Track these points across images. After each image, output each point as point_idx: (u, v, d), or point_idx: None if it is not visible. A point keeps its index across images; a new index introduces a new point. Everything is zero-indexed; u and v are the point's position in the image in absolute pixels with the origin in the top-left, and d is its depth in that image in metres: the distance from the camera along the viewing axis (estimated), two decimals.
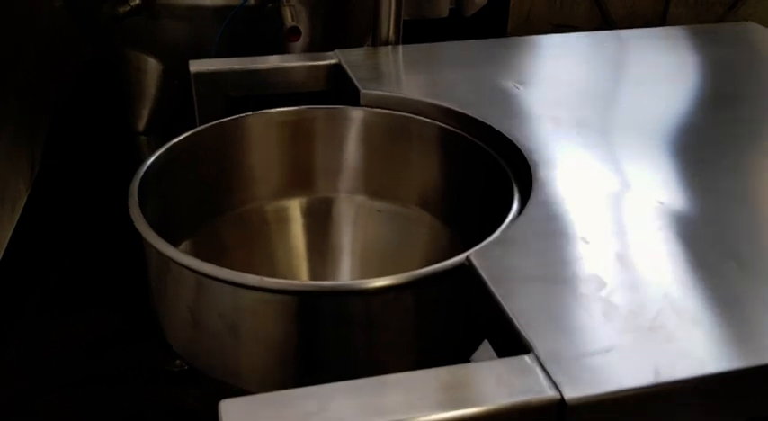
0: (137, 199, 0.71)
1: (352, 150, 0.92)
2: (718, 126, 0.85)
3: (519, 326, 0.54)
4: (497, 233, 0.65)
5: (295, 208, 0.93)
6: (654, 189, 0.72)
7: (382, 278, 0.61)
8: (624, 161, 0.78)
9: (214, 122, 0.87)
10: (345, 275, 0.92)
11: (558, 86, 0.94)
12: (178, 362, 1.30)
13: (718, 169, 0.76)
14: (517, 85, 0.92)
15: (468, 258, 0.62)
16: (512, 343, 0.55)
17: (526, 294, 0.57)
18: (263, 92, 0.96)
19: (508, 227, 0.67)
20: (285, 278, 0.83)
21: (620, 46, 1.09)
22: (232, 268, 0.67)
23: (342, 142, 0.92)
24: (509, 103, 0.88)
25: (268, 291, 0.62)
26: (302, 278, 0.92)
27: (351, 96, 0.92)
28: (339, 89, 0.97)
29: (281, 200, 0.93)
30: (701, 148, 0.80)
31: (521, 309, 0.56)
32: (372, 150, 0.91)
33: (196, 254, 0.76)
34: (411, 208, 0.90)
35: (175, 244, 0.73)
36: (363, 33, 1.37)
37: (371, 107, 0.89)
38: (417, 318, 0.64)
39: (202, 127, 0.86)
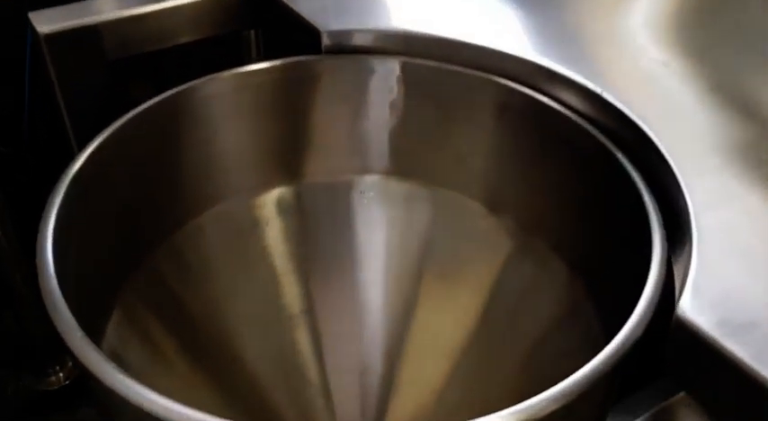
0: (51, 263, 0.40)
1: (378, 116, 0.58)
2: None
3: None
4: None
5: (287, 199, 0.62)
6: None
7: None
8: None
9: (156, 100, 0.52)
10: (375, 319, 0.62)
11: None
12: (53, 378, 0.97)
13: None
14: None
15: None
16: None
17: None
18: (161, 46, 0.61)
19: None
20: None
21: None
22: (199, 297, 0.52)
23: (360, 106, 0.58)
24: (650, 79, 0.54)
25: None
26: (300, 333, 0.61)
27: (294, 39, 0.58)
28: (275, 28, 0.62)
29: (266, 192, 0.61)
30: None
31: None
32: (408, 118, 0.59)
33: (157, 276, 0.53)
34: (467, 198, 0.60)
35: (131, 264, 0.51)
36: None
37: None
38: None
39: (137, 111, 0.51)
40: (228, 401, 0.55)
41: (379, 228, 0.62)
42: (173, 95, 0.53)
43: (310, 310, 0.61)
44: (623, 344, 0.36)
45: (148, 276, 0.54)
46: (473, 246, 0.59)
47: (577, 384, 0.34)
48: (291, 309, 0.61)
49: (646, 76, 0.53)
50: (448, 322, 0.58)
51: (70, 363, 0.94)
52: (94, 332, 0.47)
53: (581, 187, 0.52)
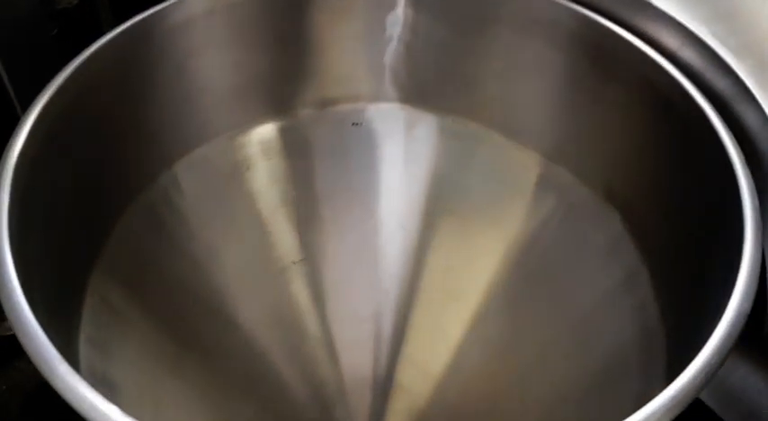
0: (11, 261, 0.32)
1: (380, 36, 0.49)
2: None
3: None
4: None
5: (273, 138, 0.53)
6: None
7: None
8: None
9: (114, 34, 0.42)
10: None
11: None
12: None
13: None
14: None
15: None
16: None
17: None
18: None
19: None
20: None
21: None
22: (180, 259, 0.46)
23: (358, 25, 0.49)
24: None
25: None
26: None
27: None
28: None
29: (248, 131, 0.52)
30: None
31: None
32: (416, 36, 0.50)
33: (131, 242, 0.46)
34: (484, 127, 0.52)
35: (101, 233, 0.44)
36: None
37: None
38: None
39: (90, 50, 0.41)
40: (224, 371, 0.49)
41: (382, 163, 0.54)
42: (134, 26, 0.43)
43: (307, 260, 0.54)
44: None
45: (121, 244, 0.46)
46: (491, 181, 0.52)
47: None
48: (285, 261, 0.54)
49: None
50: (464, 266, 0.52)
51: None
52: (69, 323, 0.41)
53: (639, 129, 0.45)
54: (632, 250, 0.46)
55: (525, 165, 0.50)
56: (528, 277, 0.50)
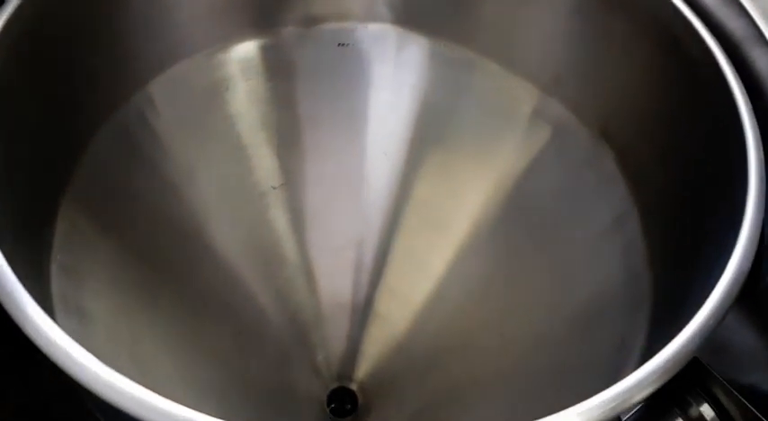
0: None
1: None
2: None
3: None
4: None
5: (253, 56, 0.50)
6: None
7: None
8: None
9: None
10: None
11: None
12: None
13: None
14: None
15: None
16: None
17: None
18: None
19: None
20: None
21: None
22: (155, 184, 0.43)
23: None
24: None
25: None
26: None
27: None
28: None
29: (227, 49, 0.49)
30: None
31: None
32: None
33: (102, 167, 0.43)
34: (478, 54, 0.49)
35: (70, 160, 0.41)
36: None
37: None
38: None
39: None
40: (200, 298, 0.48)
41: (369, 88, 0.52)
42: None
43: (287, 185, 0.52)
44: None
45: (93, 167, 0.43)
46: (483, 112, 0.50)
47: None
48: (264, 186, 0.52)
49: None
50: (450, 199, 0.51)
51: None
52: (39, 250, 0.39)
53: (642, 66, 0.43)
54: (624, 192, 0.45)
55: (520, 97, 0.48)
56: (515, 213, 0.48)
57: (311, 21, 0.49)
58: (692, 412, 0.34)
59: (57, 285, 0.38)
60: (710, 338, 0.31)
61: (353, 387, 0.50)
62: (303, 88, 0.51)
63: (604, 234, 0.45)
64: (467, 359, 0.48)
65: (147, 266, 0.46)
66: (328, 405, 0.50)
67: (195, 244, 0.48)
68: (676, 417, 0.34)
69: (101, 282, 0.42)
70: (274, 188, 0.52)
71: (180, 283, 0.47)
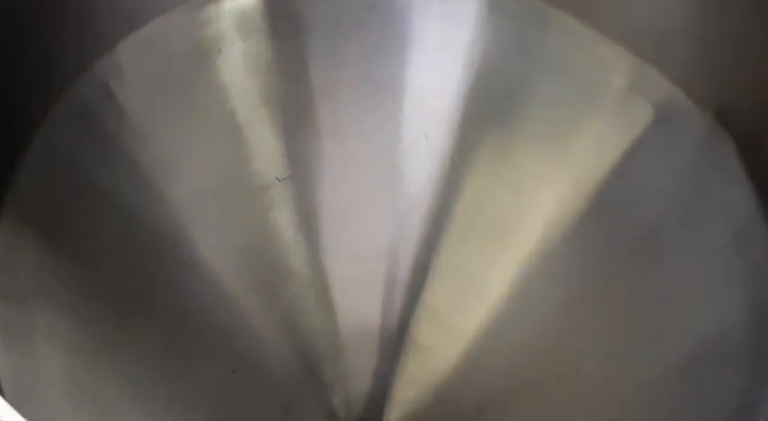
0: None
1: None
2: None
3: None
4: None
5: (252, 10, 0.43)
6: None
7: None
8: None
9: None
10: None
11: None
12: None
13: None
14: None
15: None
16: None
17: None
18: None
19: None
20: None
21: None
22: (128, 175, 0.38)
23: None
24: None
25: None
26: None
27: None
28: None
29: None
30: None
31: None
32: None
33: (55, 148, 0.38)
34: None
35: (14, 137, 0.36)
36: None
37: None
38: None
39: None
40: (182, 326, 0.42)
41: (404, 50, 0.43)
42: None
43: (295, 177, 0.44)
44: None
45: (43, 155, 0.37)
46: (558, 84, 0.42)
47: None
48: (267, 177, 0.44)
49: None
50: (512, 199, 0.43)
51: None
52: None
53: None
54: (749, 197, 0.38)
55: (609, 65, 0.41)
56: (601, 221, 0.41)
57: None
58: None
59: None
60: None
61: None
62: (316, 50, 0.43)
63: (723, 254, 0.38)
64: (530, 409, 0.41)
65: (113, 288, 0.39)
66: None
67: (176, 256, 0.42)
68: None
69: (52, 312, 0.36)
70: (279, 180, 0.44)
71: (156, 309, 0.41)
